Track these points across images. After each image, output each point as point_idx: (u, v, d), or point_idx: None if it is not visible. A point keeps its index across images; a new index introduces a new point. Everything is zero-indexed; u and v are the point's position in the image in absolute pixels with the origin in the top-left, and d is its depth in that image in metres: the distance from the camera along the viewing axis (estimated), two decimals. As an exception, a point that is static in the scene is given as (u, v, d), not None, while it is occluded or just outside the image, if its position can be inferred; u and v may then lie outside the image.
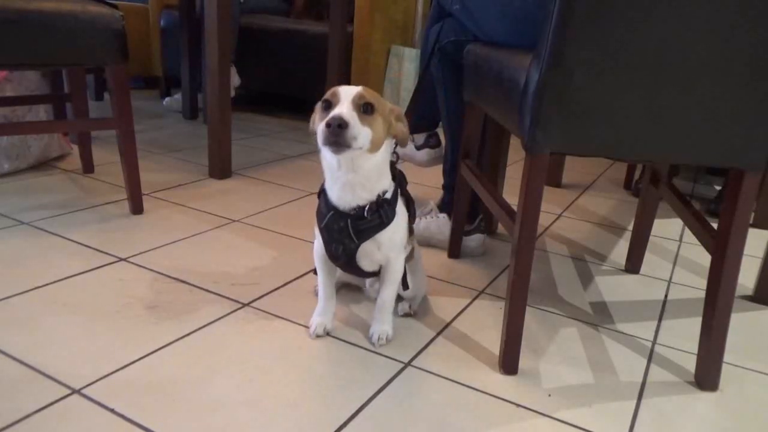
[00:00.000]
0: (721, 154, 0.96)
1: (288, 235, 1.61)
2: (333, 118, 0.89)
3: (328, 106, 0.93)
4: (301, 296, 1.28)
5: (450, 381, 1.03)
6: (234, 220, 1.69)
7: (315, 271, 1.16)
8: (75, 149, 2.06)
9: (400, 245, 1.08)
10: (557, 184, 2.34)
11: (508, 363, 1.06)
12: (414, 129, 1.79)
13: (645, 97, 0.91)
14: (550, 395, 1.01)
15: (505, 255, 1.59)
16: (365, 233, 1.02)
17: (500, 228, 1.77)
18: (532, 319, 1.26)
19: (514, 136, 1.12)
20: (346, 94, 0.93)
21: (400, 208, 1.06)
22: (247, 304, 1.23)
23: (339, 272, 1.17)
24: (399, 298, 1.19)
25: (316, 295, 1.20)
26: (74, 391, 0.92)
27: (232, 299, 1.24)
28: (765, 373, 1.13)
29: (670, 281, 1.53)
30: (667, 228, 1.90)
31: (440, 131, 1.71)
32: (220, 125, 2.02)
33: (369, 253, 1.06)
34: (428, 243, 1.60)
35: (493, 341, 1.15)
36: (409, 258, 1.16)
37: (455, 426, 0.92)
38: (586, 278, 1.50)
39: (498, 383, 1.03)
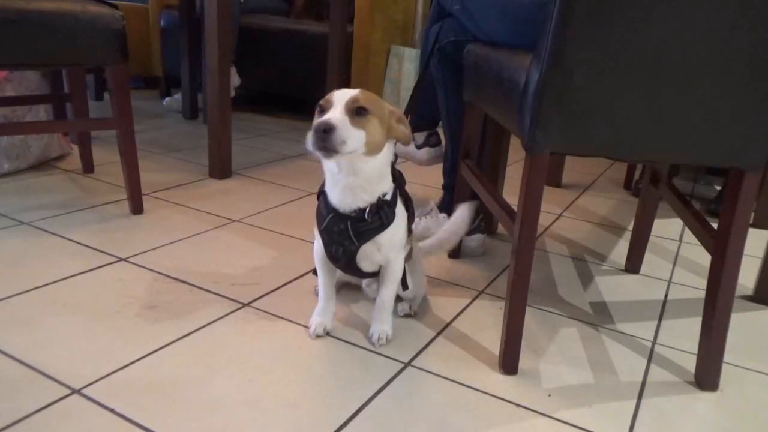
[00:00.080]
0: (721, 154, 0.96)
1: (288, 235, 1.61)
2: (319, 123, 0.89)
3: (322, 111, 0.94)
4: (301, 296, 1.28)
5: (450, 381, 1.03)
6: (234, 220, 1.69)
7: (315, 272, 1.16)
8: (75, 149, 2.06)
9: (399, 246, 1.08)
10: (557, 184, 2.34)
11: (508, 363, 1.06)
12: (414, 128, 1.79)
13: (645, 97, 0.91)
14: (550, 395, 1.01)
15: (505, 255, 1.59)
16: (365, 235, 1.02)
17: (500, 228, 1.77)
18: (532, 319, 1.26)
19: (514, 136, 1.12)
20: (339, 99, 0.93)
21: (400, 209, 1.06)
22: (247, 304, 1.23)
23: (338, 272, 1.17)
24: (399, 299, 1.19)
25: (316, 295, 1.20)
26: (74, 391, 0.92)
27: (232, 299, 1.24)
28: (765, 373, 1.13)
29: (670, 281, 1.53)
30: (667, 228, 1.90)
31: (440, 130, 1.71)
32: (220, 125, 2.02)
33: (369, 255, 1.06)
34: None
35: (493, 341, 1.15)
36: (408, 258, 1.16)
37: (455, 426, 0.92)
38: (586, 278, 1.50)
39: (498, 383, 1.03)
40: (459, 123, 1.50)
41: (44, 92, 2.06)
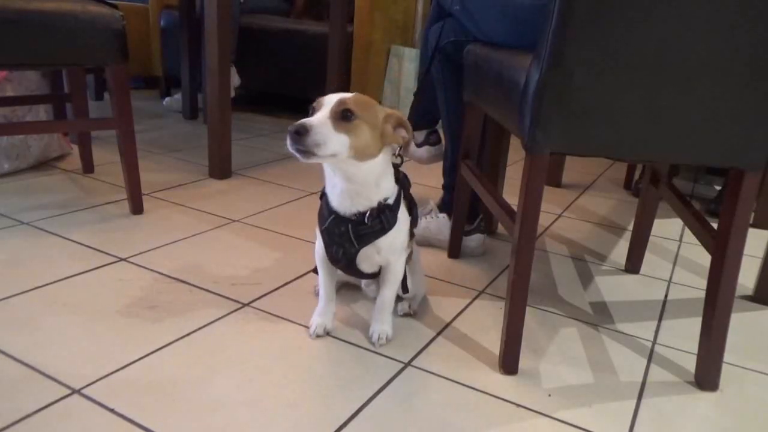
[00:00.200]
0: (721, 154, 0.96)
1: (288, 235, 1.61)
2: (294, 124, 0.88)
3: (312, 112, 0.93)
4: (301, 296, 1.28)
5: (450, 381, 1.03)
6: (234, 220, 1.69)
7: (315, 271, 1.16)
8: (75, 149, 2.06)
9: (400, 249, 1.08)
10: (557, 184, 2.34)
11: (508, 363, 1.06)
12: (414, 127, 1.79)
13: (645, 97, 0.91)
14: (550, 395, 1.01)
15: (505, 255, 1.59)
16: (366, 238, 1.02)
17: (500, 228, 1.77)
18: (532, 319, 1.26)
19: (514, 136, 1.12)
20: (329, 101, 0.92)
21: (402, 213, 1.06)
22: (247, 304, 1.23)
23: (339, 272, 1.17)
24: (398, 298, 1.19)
25: (317, 295, 1.20)
26: (74, 391, 0.92)
27: (232, 299, 1.24)
28: (765, 373, 1.13)
29: (670, 281, 1.53)
30: (667, 228, 1.90)
31: (440, 129, 1.71)
32: (220, 125, 2.02)
33: (369, 257, 1.06)
34: (428, 243, 1.61)
35: (493, 341, 1.15)
36: (408, 259, 1.16)
37: (455, 426, 0.92)
38: (586, 278, 1.50)
39: (498, 383, 1.03)
40: (459, 123, 1.50)
41: (44, 92, 2.06)
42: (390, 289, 1.11)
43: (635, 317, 1.31)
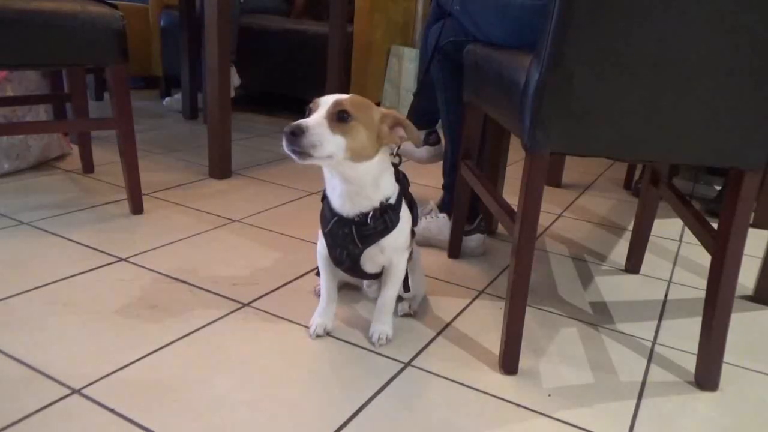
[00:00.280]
0: (721, 154, 0.96)
1: (288, 235, 1.61)
2: (290, 125, 0.87)
3: (309, 113, 0.93)
4: (301, 296, 1.28)
5: (450, 381, 1.03)
6: (234, 220, 1.69)
7: (318, 272, 1.16)
8: (75, 149, 2.06)
9: (403, 248, 1.08)
10: (557, 184, 2.34)
11: (508, 363, 1.06)
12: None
13: (645, 97, 0.91)
14: (550, 395, 1.01)
15: (505, 255, 1.59)
16: (370, 239, 1.02)
17: (500, 228, 1.77)
18: (532, 319, 1.26)
19: (514, 136, 1.12)
20: (325, 102, 0.92)
21: (404, 212, 1.06)
22: (247, 304, 1.23)
23: (340, 273, 1.17)
24: (399, 298, 1.19)
25: (317, 295, 1.20)
26: (74, 391, 0.92)
27: (232, 299, 1.24)
28: (765, 373, 1.13)
29: (670, 281, 1.53)
30: (667, 228, 1.90)
31: (440, 128, 1.71)
32: (220, 125, 2.02)
33: (372, 257, 1.06)
34: (428, 243, 1.60)
35: (493, 341, 1.15)
36: (408, 258, 1.16)
37: (455, 426, 0.92)
38: (586, 278, 1.50)
39: (498, 383, 1.03)
40: (459, 123, 1.50)
41: (44, 92, 2.06)
42: (392, 289, 1.11)
43: (635, 317, 1.31)
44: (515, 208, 1.05)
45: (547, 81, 0.90)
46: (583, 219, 1.98)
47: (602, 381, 1.06)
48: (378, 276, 1.13)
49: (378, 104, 3.37)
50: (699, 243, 1.12)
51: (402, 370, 1.05)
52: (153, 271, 1.34)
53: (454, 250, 1.56)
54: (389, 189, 1.02)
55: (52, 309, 1.15)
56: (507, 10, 1.30)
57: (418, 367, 1.06)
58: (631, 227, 1.60)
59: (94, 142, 2.03)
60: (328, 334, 1.13)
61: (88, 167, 1.99)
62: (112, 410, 0.88)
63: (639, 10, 0.86)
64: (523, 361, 1.08)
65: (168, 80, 3.39)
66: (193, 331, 1.11)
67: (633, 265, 1.56)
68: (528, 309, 1.05)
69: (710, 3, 0.86)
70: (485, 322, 1.24)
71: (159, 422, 0.87)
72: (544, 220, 1.90)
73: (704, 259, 1.13)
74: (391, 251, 1.06)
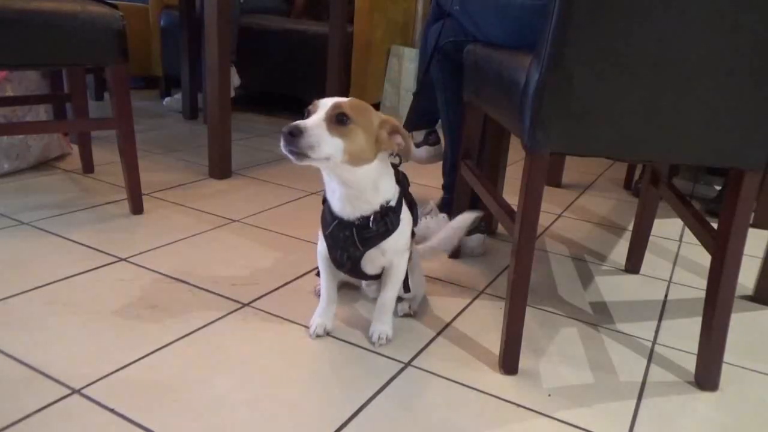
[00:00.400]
0: (722, 154, 0.96)
1: (288, 235, 1.61)
2: (288, 125, 0.87)
3: (307, 115, 0.93)
4: (301, 296, 1.28)
5: (450, 381, 1.03)
6: (234, 220, 1.69)
7: (318, 273, 1.16)
8: (75, 149, 2.06)
9: (403, 249, 1.08)
10: (557, 184, 2.34)
11: (508, 363, 1.06)
12: (413, 127, 1.80)
13: (645, 97, 0.91)
14: (550, 395, 1.01)
15: (505, 255, 1.59)
16: (371, 241, 1.02)
17: (500, 228, 1.77)
18: (532, 319, 1.26)
19: (514, 136, 1.12)
20: (324, 104, 0.92)
21: (405, 214, 1.06)
22: (247, 304, 1.23)
23: (340, 273, 1.17)
24: (399, 299, 1.19)
25: (317, 295, 1.20)
26: (74, 391, 0.92)
27: (232, 299, 1.24)
28: (765, 373, 1.13)
29: (670, 281, 1.53)
30: (667, 228, 1.90)
31: (439, 129, 1.71)
32: (220, 125, 2.02)
33: (373, 259, 1.06)
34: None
35: (493, 341, 1.15)
36: (408, 259, 1.16)
37: (455, 426, 0.92)
38: (586, 278, 1.50)
39: (498, 383, 1.03)
40: (459, 123, 1.50)
41: (44, 92, 2.06)
42: (392, 289, 1.11)
43: (635, 317, 1.31)
44: (515, 208, 1.05)
45: (547, 81, 0.90)
46: (583, 219, 1.98)
47: (602, 381, 1.06)
48: (378, 277, 1.13)
49: (378, 104, 3.36)
50: (699, 243, 1.12)
51: (402, 370, 1.05)
52: (153, 271, 1.34)
53: (454, 250, 1.56)
54: (389, 192, 1.02)
55: (52, 309, 1.15)
56: (507, 11, 1.30)
57: (418, 367, 1.06)
58: (631, 227, 1.60)
59: (94, 142, 2.03)
60: (328, 334, 1.14)
61: (88, 167, 1.99)
62: (112, 410, 0.88)
63: (639, 10, 0.86)
64: (523, 361, 1.08)
65: (168, 80, 3.38)
66: (193, 331, 1.11)
67: (633, 265, 1.56)
68: (528, 309, 1.05)
69: (710, 3, 0.86)
70: (485, 322, 1.24)
71: (159, 422, 0.87)
72: (544, 220, 1.90)
73: (704, 259, 1.13)
74: (391, 253, 1.06)
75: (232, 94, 2.40)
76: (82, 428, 0.84)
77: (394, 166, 1.05)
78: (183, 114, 3.00)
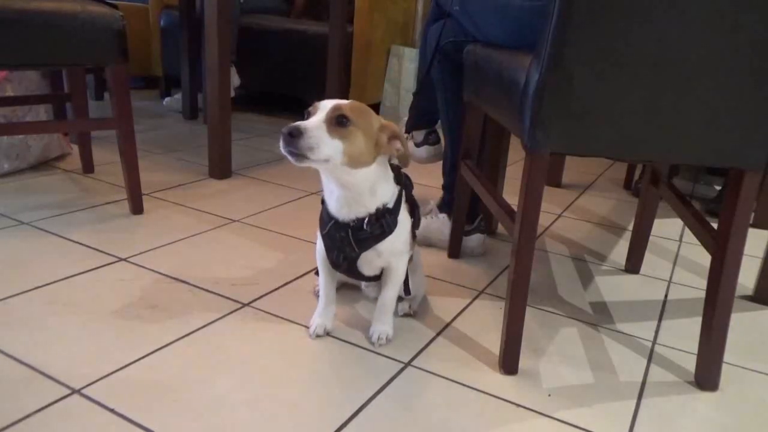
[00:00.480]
0: (722, 154, 0.96)
1: (288, 235, 1.61)
2: (288, 126, 0.87)
3: (308, 116, 0.92)
4: (301, 296, 1.28)
5: (450, 381, 1.03)
6: (234, 220, 1.69)
7: (317, 272, 1.16)
8: (75, 149, 2.06)
9: (401, 251, 1.08)
10: (557, 184, 2.34)
11: (508, 363, 1.06)
12: (413, 126, 1.80)
13: (645, 97, 0.91)
14: (550, 395, 1.01)
15: (505, 255, 1.59)
16: (366, 243, 1.02)
17: (500, 228, 1.77)
18: (532, 319, 1.26)
19: (514, 136, 1.12)
20: (324, 106, 0.92)
21: (403, 215, 1.05)
22: (247, 304, 1.23)
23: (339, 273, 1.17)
24: (399, 299, 1.19)
25: (317, 295, 1.20)
26: (74, 391, 0.92)
27: (232, 299, 1.24)
28: (765, 373, 1.13)
29: (670, 281, 1.53)
30: (667, 228, 1.90)
31: (439, 128, 1.71)
32: (220, 125, 2.02)
33: (370, 261, 1.06)
34: (428, 243, 1.60)
35: (493, 341, 1.15)
36: (409, 260, 1.16)
37: (455, 426, 0.92)
38: (586, 278, 1.50)
39: (498, 383, 1.03)
40: (459, 123, 1.50)
41: (44, 92, 2.05)
42: (392, 290, 1.11)
43: (635, 317, 1.31)
44: (515, 208, 1.05)
45: (547, 81, 0.90)
46: (583, 219, 1.98)
47: (602, 381, 1.06)
48: (377, 279, 1.13)
49: (378, 104, 3.36)
50: (699, 243, 1.12)
51: (402, 370, 1.05)
52: (153, 271, 1.34)
53: (454, 250, 1.56)
54: (386, 196, 1.02)
55: (52, 309, 1.15)
56: (506, 11, 1.30)
57: (418, 367, 1.06)
58: (631, 227, 1.60)
59: (94, 142, 2.03)
60: (327, 334, 1.14)
61: (88, 167, 1.99)
62: (112, 410, 0.88)
63: (639, 10, 0.86)
64: (523, 361, 1.08)
65: (168, 80, 3.38)
66: (193, 331, 1.11)
67: (633, 265, 1.56)
68: (528, 309, 1.05)
69: (710, 3, 0.86)
70: (485, 322, 1.24)
71: (159, 422, 0.87)
72: (544, 220, 1.90)
73: (704, 259, 1.13)
74: (388, 255, 1.06)
75: (232, 94, 2.40)
76: (82, 428, 0.84)
77: (397, 168, 1.05)
78: (183, 114, 3.00)
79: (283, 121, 3.16)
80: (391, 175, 1.04)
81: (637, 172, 2.36)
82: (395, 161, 1.05)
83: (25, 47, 1.39)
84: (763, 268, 1.43)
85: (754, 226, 1.93)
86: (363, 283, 1.27)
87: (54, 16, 1.41)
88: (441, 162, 1.71)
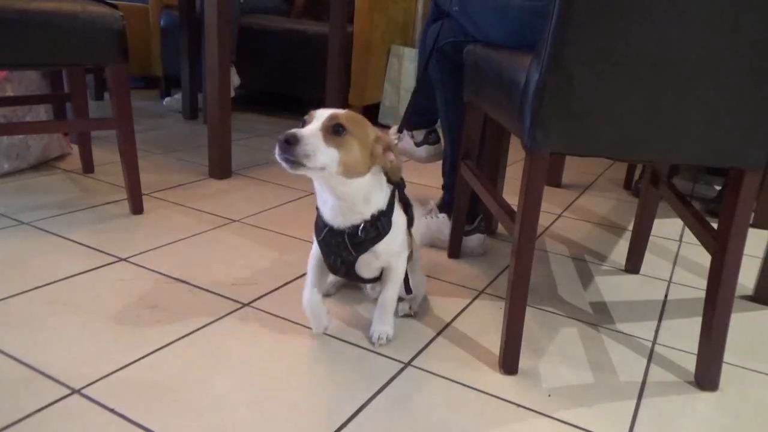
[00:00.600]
0: (722, 154, 0.96)
1: (288, 235, 1.61)
2: (284, 133, 0.87)
3: (304, 125, 0.92)
4: (301, 296, 1.28)
5: (450, 381, 1.03)
6: (234, 220, 1.69)
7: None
8: (75, 149, 2.06)
9: (398, 251, 1.08)
10: (557, 184, 2.34)
11: (508, 363, 1.06)
12: (413, 126, 1.80)
13: (645, 97, 0.91)
14: (550, 395, 1.01)
15: (505, 255, 1.59)
16: (363, 246, 1.02)
17: (500, 228, 1.77)
18: (532, 319, 1.26)
19: (514, 136, 1.12)
20: (321, 115, 0.92)
21: (398, 215, 1.05)
22: (247, 304, 1.23)
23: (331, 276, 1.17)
24: (399, 299, 1.19)
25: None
26: (74, 391, 0.92)
27: (232, 299, 1.24)
28: (765, 373, 1.13)
29: (670, 281, 1.53)
30: (667, 228, 1.90)
31: (439, 128, 1.71)
32: (220, 125, 2.02)
33: (368, 263, 1.06)
34: (428, 243, 1.60)
35: (493, 341, 1.15)
36: (408, 258, 1.16)
37: (455, 426, 0.92)
38: (586, 278, 1.50)
39: (498, 383, 1.03)
40: (458, 123, 1.50)
41: (44, 92, 2.05)
42: (392, 289, 1.11)
43: (635, 317, 1.31)
44: (515, 208, 1.05)
45: (547, 81, 0.90)
46: (583, 219, 1.98)
47: (602, 381, 1.06)
48: (376, 280, 1.13)
49: (378, 104, 3.35)
50: (699, 243, 1.12)
51: (402, 370, 1.05)
52: (153, 271, 1.34)
53: (454, 250, 1.56)
54: (381, 203, 1.02)
55: (52, 309, 1.15)
56: (506, 11, 1.30)
57: (418, 367, 1.06)
58: (631, 227, 1.60)
59: (94, 142, 2.03)
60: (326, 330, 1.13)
61: (88, 167, 1.99)
62: (112, 410, 0.88)
63: (639, 10, 0.86)
64: (523, 361, 1.08)
65: (168, 80, 3.38)
66: (193, 331, 1.11)
67: (633, 265, 1.56)
68: (528, 309, 1.05)
69: (710, 3, 0.86)
70: (485, 322, 1.24)
71: (159, 422, 0.87)
72: (544, 220, 1.90)
73: (704, 259, 1.13)
74: (386, 256, 1.06)
75: (232, 94, 2.40)
76: (82, 428, 0.84)
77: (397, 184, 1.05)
78: (183, 114, 3.00)
79: (283, 121, 3.17)
80: (385, 183, 1.03)
81: (637, 172, 2.36)
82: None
83: (25, 47, 1.39)
84: (763, 268, 1.43)
85: (754, 226, 1.93)
86: (368, 285, 1.27)
87: (54, 16, 1.41)
88: (441, 161, 1.71)
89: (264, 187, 2.02)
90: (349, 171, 0.93)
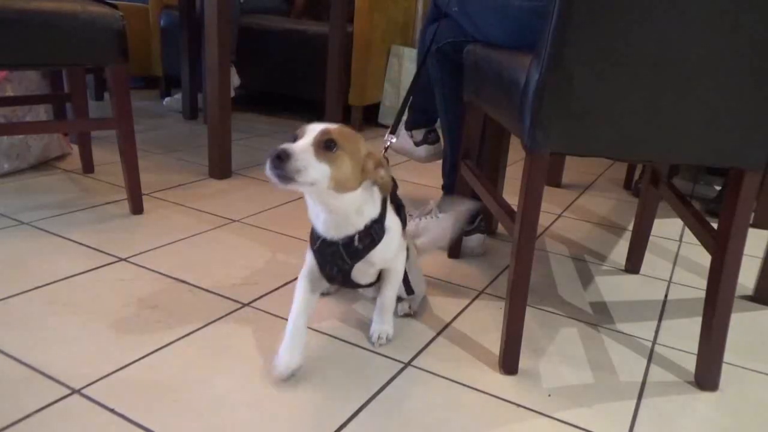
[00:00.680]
0: (722, 154, 0.96)
1: (288, 235, 1.61)
2: (275, 148, 0.86)
3: (295, 139, 0.92)
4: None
5: (450, 381, 1.03)
6: (234, 220, 1.69)
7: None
8: (75, 149, 2.06)
9: (395, 252, 1.07)
10: (557, 184, 2.34)
11: (508, 363, 1.06)
12: (413, 125, 1.80)
13: (645, 97, 0.91)
14: (550, 395, 1.01)
15: (505, 255, 1.59)
16: (358, 254, 1.01)
17: (500, 228, 1.77)
18: (532, 319, 1.26)
19: (514, 136, 1.12)
20: (312, 130, 0.91)
21: (391, 220, 1.04)
22: (247, 304, 1.23)
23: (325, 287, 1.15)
24: (399, 298, 1.19)
25: None
26: (74, 391, 0.92)
27: (232, 299, 1.24)
28: (765, 373, 1.13)
29: (670, 281, 1.53)
30: (667, 228, 1.90)
31: (439, 128, 1.71)
32: (220, 125, 2.02)
33: (364, 271, 1.05)
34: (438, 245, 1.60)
35: (493, 341, 1.15)
36: (406, 257, 1.15)
37: (455, 426, 0.92)
38: (586, 278, 1.50)
39: (498, 383, 1.03)
40: (458, 124, 1.50)
41: (44, 92, 2.05)
42: (391, 289, 1.11)
43: (635, 317, 1.31)
44: (515, 208, 1.05)
45: (547, 81, 0.90)
46: (583, 219, 1.98)
47: (602, 381, 1.06)
48: (373, 284, 1.13)
49: (378, 104, 3.34)
50: (699, 243, 1.12)
51: (402, 370, 1.05)
52: (153, 271, 1.34)
53: (454, 250, 1.56)
54: (374, 213, 1.01)
55: (52, 309, 1.15)
56: (506, 11, 1.30)
57: (418, 367, 1.06)
58: (631, 227, 1.60)
59: (94, 142, 2.03)
60: (293, 375, 1.01)
61: (88, 167, 1.99)
62: (112, 410, 0.88)
63: (639, 10, 0.86)
64: (523, 361, 1.08)
65: (168, 80, 3.38)
66: (193, 331, 1.11)
67: (633, 265, 1.56)
68: (528, 309, 1.05)
69: (710, 3, 0.86)
70: (485, 322, 1.24)
71: (159, 422, 0.87)
72: (544, 220, 1.90)
73: (704, 259, 1.13)
74: (381, 264, 1.05)
75: (232, 94, 2.40)
76: (82, 428, 0.84)
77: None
78: (183, 114, 3.00)
79: (283, 121, 3.17)
80: (377, 193, 1.02)
81: (637, 172, 2.36)
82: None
83: (25, 47, 1.39)
84: (763, 268, 1.43)
85: (754, 226, 1.93)
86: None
87: (54, 16, 1.41)
88: (440, 161, 1.71)
89: (264, 187, 2.02)
90: (340, 186, 0.92)
